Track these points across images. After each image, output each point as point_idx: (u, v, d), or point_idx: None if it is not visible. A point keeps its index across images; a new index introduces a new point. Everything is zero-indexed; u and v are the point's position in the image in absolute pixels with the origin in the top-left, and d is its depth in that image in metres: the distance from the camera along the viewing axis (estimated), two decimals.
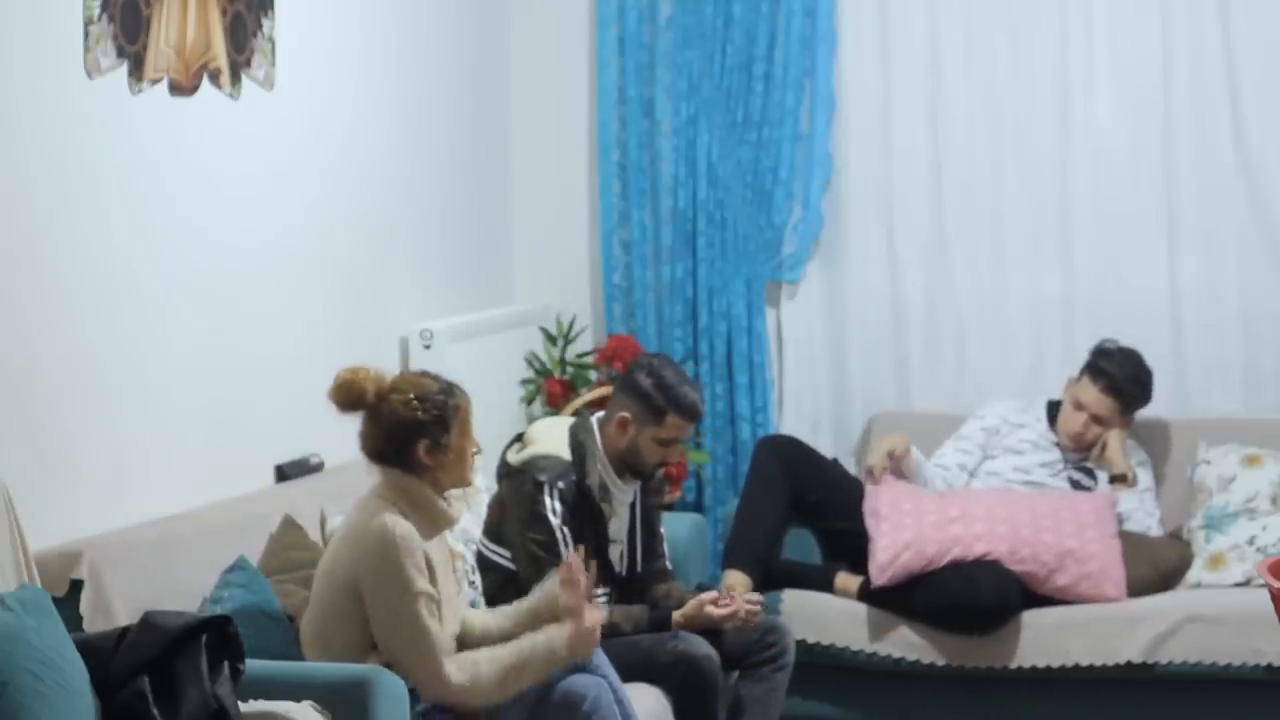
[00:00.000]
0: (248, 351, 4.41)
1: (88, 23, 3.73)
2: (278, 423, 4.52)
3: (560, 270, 6.03)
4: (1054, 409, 5.46)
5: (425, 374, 3.84)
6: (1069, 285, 5.79)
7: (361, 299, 5.02)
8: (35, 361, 3.68)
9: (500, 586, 4.37)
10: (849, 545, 5.16)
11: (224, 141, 4.29)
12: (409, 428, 3.71)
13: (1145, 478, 5.38)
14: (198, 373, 4.21)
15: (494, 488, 4.51)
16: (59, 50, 3.69)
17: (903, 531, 5.02)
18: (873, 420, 5.79)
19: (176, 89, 4.07)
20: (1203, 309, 5.71)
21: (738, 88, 5.81)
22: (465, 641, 3.87)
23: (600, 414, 4.52)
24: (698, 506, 5.90)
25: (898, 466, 5.29)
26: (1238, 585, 5.04)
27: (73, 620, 3.44)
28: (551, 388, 5.71)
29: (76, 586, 3.57)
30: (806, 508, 5.26)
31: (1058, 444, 5.42)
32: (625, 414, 4.43)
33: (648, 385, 4.42)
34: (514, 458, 4.41)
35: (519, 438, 4.50)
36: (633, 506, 4.55)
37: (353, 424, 3.76)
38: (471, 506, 4.52)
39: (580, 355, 5.85)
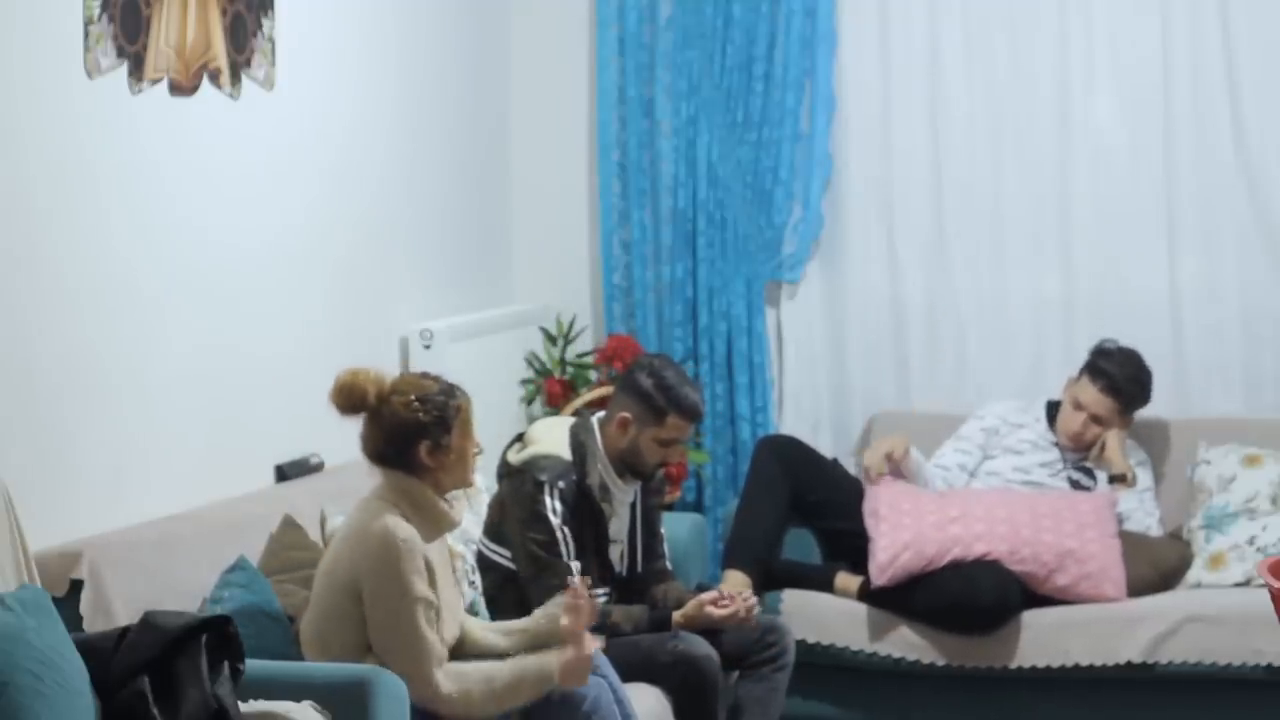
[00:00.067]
0: (248, 351, 4.41)
1: (88, 23, 3.73)
2: (278, 423, 4.52)
3: (560, 270, 6.03)
4: (1053, 409, 5.46)
5: (425, 375, 3.84)
6: (1069, 285, 5.79)
7: (361, 299, 5.02)
8: (35, 361, 3.68)
9: (500, 586, 4.37)
10: (849, 545, 5.16)
11: (224, 141, 4.29)
12: (410, 429, 3.71)
13: (1145, 478, 5.38)
14: (198, 373, 4.21)
15: (494, 488, 4.51)
16: (59, 50, 3.69)
17: (902, 532, 5.02)
18: (873, 420, 5.79)
19: (176, 89, 4.07)
20: (1203, 309, 5.71)
21: (738, 88, 5.81)
22: (463, 649, 3.87)
23: (601, 414, 4.52)
24: (698, 506, 5.90)
25: (897, 468, 5.29)
26: (1238, 585, 5.04)
27: (73, 620, 3.44)
28: (551, 388, 5.71)
29: (76, 586, 3.57)
30: (806, 508, 5.26)
31: (1057, 444, 5.42)
32: (626, 414, 4.43)
33: (649, 386, 4.42)
34: (514, 457, 4.41)
35: (519, 438, 4.50)
36: (633, 506, 4.55)
37: (353, 424, 3.76)
38: (472, 506, 4.52)
39: (580, 355, 5.85)
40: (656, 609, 4.45)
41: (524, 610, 4.07)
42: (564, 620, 3.85)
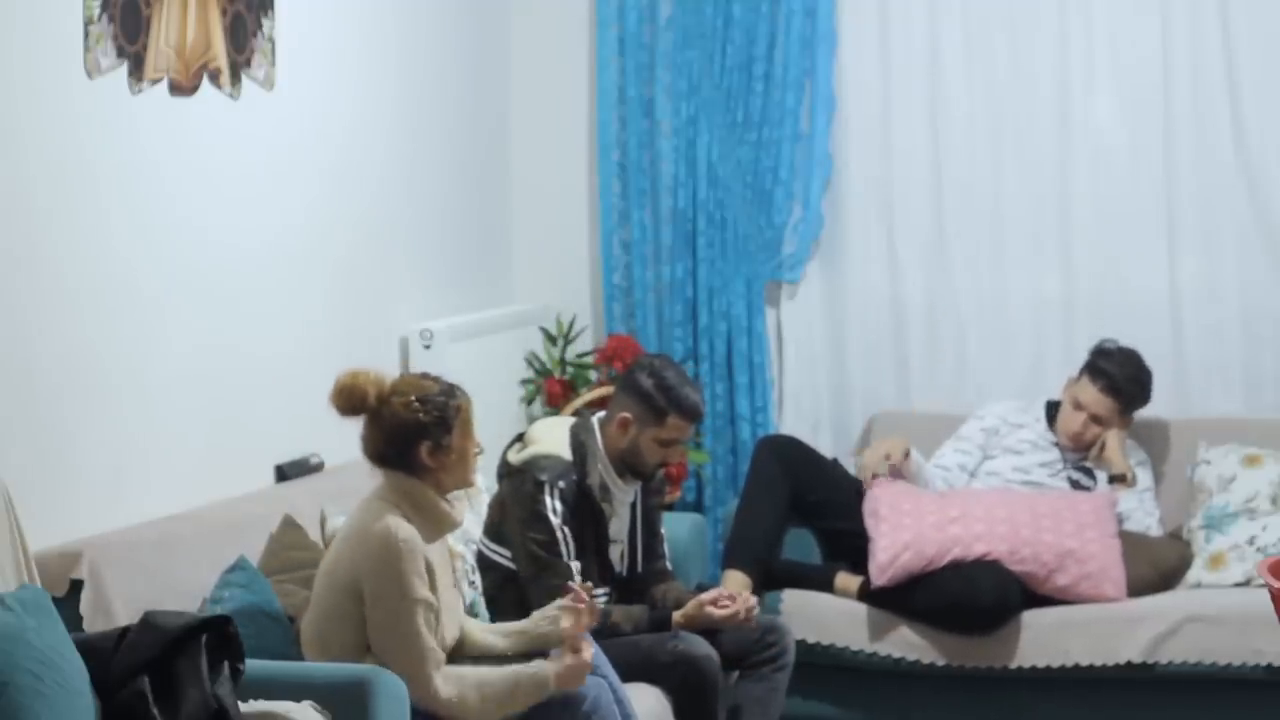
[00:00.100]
0: (248, 351, 4.41)
1: (88, 23, 3.73)
2: (278, 423, 4.52)
3: (560, 270, 6.03)
4: (1053, 409, 5.46)
5: (425, 376, 3.84)
6: (1069, 285, 5.79)
7: (361, 299, 5.02)
8: (35, 361, 3.68)
9: (500, 586, 4.37)
10: (849, 545, 5.16)
11: (224, 141, 4.28)
12: (411, 430, 3.71)
13: (1145, 478, 5.38)
14: (198, 373, 4.21)
15: (494, 488, 4.51)
16: (59, 50, 3.69)
17: (902, 532, 5.02)
18: (873, 420, 5.79)
19: (176, 89, 4.07)
20: (1203, 309, 5.71)
21: (738, 88, 5.81)
22: (462, 650, 3.87)
23: (601, 414, 4.52)
24: (698, 506, 5.90)
25: (897, 471, 5.28)
26: (1238, 585, 5.04)
27: (73, 620, 3.44)
28: (551, 388, 5.71)
29: (76, 586, 3.57)
30: (806, 508, 5.26)
31: (1057, 444, 5.42)
32: (626, 414, 4.43)
33: (649, 386, 4.42)
34: (515, 457, 4.41)
35: (520, 437, 4.50)
36: (633, 506, 4.55)
37: (353, 424, 3.76)
38: (473, 506, 4.52)
39: (580, 355, 5.85)
40: (656, 609, 4.45)
41: (524, 610, 4.07)
42: (564, 623, 3.85)
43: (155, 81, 3.98)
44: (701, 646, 4.30)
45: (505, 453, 4.47)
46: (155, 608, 3.28)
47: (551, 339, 5.84)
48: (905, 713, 5.11)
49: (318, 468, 4.63)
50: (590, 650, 3.83)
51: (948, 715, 5.08)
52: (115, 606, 3.57)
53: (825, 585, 5.11)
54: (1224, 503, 5.20)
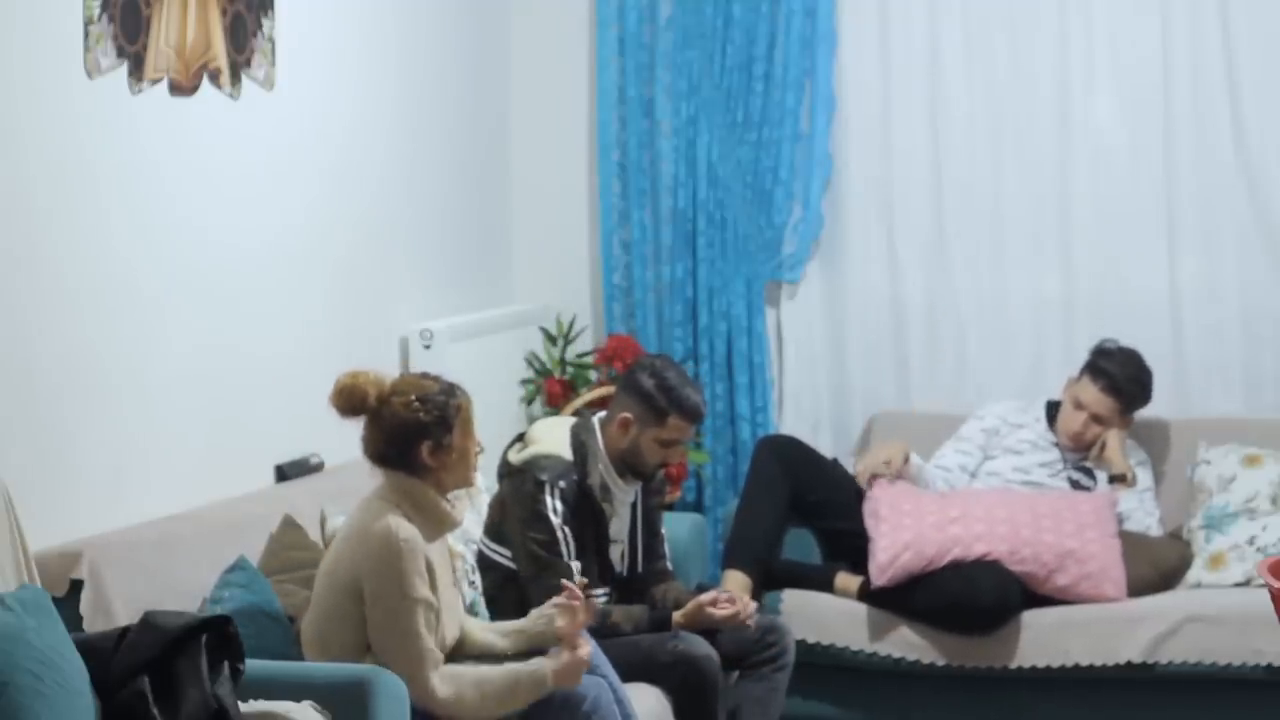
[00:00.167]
0: (248, 351, 4.41)
1: (88, 23, 3.73)
2: (278, 423, 4.52)
3: (560, 270, 6.03)
4: (1053, 409, 5.46)
5: (425, 375, 3.84)
6: (1069, 285, 5.79)
7: (361, 299, 5.02)
8: (35, 361, 3.68)
9: (500, 586, 4.37)
10: (849, 545, 5.16)
11: (224, 141, 4.28)
12: (411, 429, 3.71)
13: (1145, 477, 5.37)
14: (198, 373, 4.21)
15: (495, 487, 4.51)
16: (59, 50, 3.69)
17: (902, 532, 5.02)
18: (873, 420, 5.79)
19: (176, 89, 4.07)
20: (1203, 309, 5.71)
21: (738, 88, 5.81)
22: (462, 650, 3.87)
23: (601, 414, 4.52)
24: (698, 506, 5.90)
25: (898, 475, 5.27)
26: (1238, 585, 5.04)
27: (73, 620, 3.44)
28: (551, 388, 5.71)
29: (76, 586, 3.57)
30: (806, 508, 5.26)
31: (1057, 444, 5.42)
32: (627, 414, 4.43)
33: (650, 386, 4.42)
34: (515, 457, 4.41)
35: (520, 437, 4.50)
36: (634, 506, 4.55)
37: (353, 424, 3.76)
38: (474, 506, 4.52)
39: (580, 355, 5.85)
40: (656, 609, 4.45)
41: (524, 610, 4.06)
42: (559, 621, 3.85)
43: (155, 81, 3.98)
44: (701, 646, 4.30)
45: (506, 452, 4.47)
46: (155, 608, 3.28)
47: (551, 339, 5.84)
48: (905, 713, 5.11)
49: (318, 468, 4.63)
50: (587, 647, 3.83)
51: (948, 715, 5.08)
52: (115, 606, 3.57)
53: (825, 585, 5.11)
54: (1224, 503, 5.20)
